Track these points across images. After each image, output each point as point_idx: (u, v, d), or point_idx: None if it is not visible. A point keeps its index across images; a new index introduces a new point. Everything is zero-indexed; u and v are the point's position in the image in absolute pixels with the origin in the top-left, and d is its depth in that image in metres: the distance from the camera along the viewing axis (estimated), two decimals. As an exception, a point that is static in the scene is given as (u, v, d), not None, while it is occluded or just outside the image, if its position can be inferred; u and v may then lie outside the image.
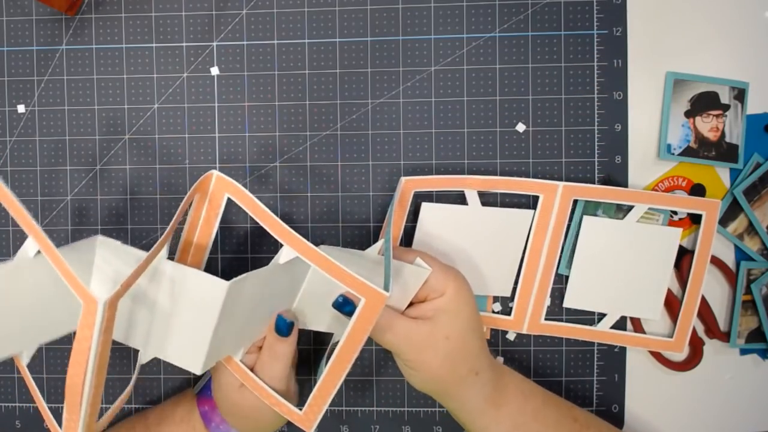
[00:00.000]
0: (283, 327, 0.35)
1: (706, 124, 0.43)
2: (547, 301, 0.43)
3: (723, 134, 0.43)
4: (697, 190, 0.43)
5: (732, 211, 0.43)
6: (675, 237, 0.42)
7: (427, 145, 0.44)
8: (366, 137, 0.44)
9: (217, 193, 0.36)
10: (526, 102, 0.43)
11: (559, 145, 0.43)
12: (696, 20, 0.43)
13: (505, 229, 0.42)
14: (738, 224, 0.43)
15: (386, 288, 0.31)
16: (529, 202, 0.43)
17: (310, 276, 0.36)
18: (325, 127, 0.44)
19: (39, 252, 0.31)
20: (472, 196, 0.42)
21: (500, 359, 0.44)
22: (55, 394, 0.45)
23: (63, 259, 0.28)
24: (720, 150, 0.43)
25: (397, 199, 0.41)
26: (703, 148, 0.43)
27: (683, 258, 0.42)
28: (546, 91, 0.43)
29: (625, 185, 0.43)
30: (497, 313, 0.43)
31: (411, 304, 0.37)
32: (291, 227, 0.33)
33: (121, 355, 0.45)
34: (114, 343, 0.30)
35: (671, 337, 0.43)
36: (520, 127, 0.43)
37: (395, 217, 0.42)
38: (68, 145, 0.45)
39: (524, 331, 0.43)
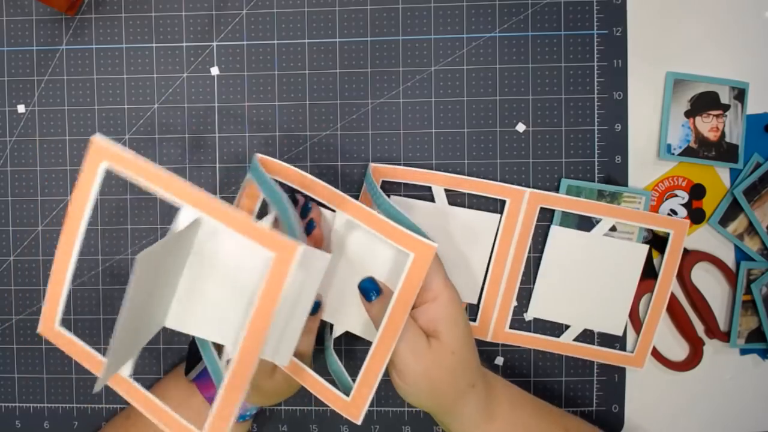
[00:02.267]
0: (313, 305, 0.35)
1: (706, 124, 0.43)
2: (512, 310, 0.43)
3: (723, 134, 0.43)
4: (697, 190, 0.43)
5: (732, 211, 0.43)
6: (642, 253, 0.42)
7: (427, 145, 0.44)
8: (366, 137, 0.44)
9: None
10: (526, 102, 0.43)
11: (559, 145, 0.43)
12: (696, 20, 0.43)
13: (472, 231, 0.42)
14: (738, 224, 0.43)
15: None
16: (498, 207, 0.43)
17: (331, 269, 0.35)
18: (325, 127, 0.44)
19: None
20: (439, 194, 0.42)
21: (500, 359, 0.44)
22: (55, 394, 0.45)
23: None
24: (720, 150, 0.43)
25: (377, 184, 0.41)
26: (703, 148, 0.43)
27: (684, 257, 0.42)
28: (546, 91, 0.43)
29: (625, 185, 0.43)
30: None
31: None
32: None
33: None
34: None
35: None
36: (520, 127, 0.43)
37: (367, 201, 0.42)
38: (68, 145, 0.45)
39: (489, 339, 0.43)
